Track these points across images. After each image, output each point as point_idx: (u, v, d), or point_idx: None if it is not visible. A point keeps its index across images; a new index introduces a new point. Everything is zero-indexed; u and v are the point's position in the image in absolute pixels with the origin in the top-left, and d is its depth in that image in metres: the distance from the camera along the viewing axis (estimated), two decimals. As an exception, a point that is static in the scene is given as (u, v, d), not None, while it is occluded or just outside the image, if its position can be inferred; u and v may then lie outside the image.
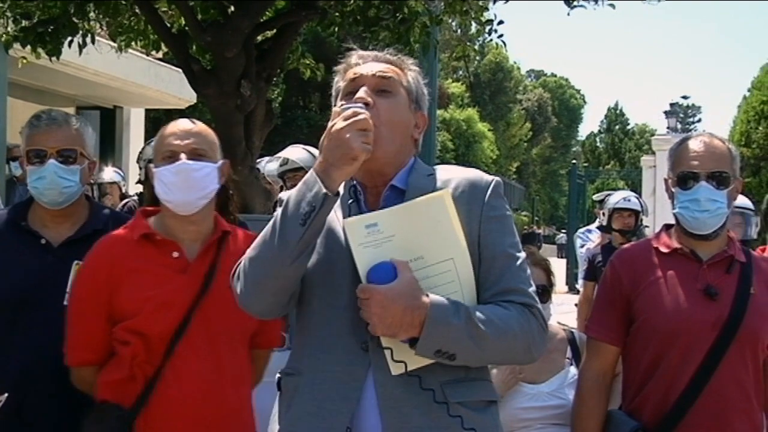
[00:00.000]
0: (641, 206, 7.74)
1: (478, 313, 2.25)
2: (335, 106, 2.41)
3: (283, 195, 2.40)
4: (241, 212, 3.11)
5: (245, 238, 3.00)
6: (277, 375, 2.52)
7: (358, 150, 2.20)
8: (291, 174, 5.91)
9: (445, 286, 2.29)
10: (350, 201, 2.42)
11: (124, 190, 9.34)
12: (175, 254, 2.94)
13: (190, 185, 2.90)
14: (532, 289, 2.37)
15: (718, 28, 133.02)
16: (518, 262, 2.38)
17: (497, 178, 2.45)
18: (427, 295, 2.23)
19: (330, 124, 2.25)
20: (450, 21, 8.51)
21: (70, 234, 3.24)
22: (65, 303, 3.11)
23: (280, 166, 5.98)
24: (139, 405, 2.84)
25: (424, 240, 2.29)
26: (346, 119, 2.22)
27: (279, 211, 2.30)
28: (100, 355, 2.96)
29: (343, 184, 2.37)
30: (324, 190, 2.21)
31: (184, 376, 2.85)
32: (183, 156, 2.89)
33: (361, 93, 2.35)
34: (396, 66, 2.48)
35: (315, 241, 2.30)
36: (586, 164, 58.86)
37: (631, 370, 3.14)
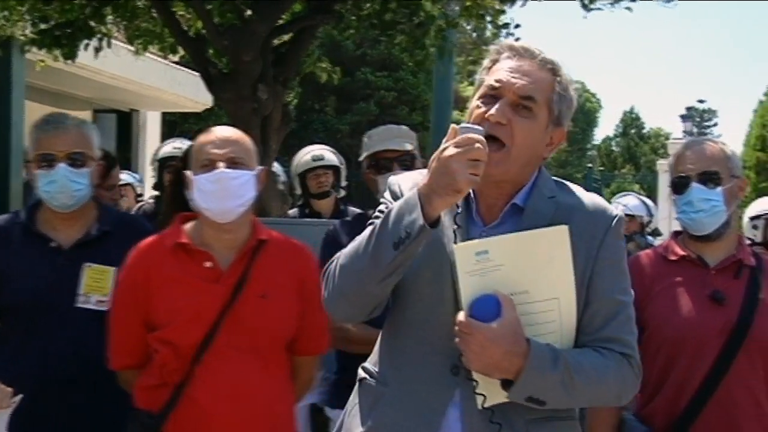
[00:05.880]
0: (648, 210, 7.55)
1: (574, 361, 2.14)
2: (473, 97, 2.26)
3: (393, 180, 2.40)
4: (258, 215, 3.13)
5: (284, 245, 3.03)
6: (360, 372, 2.42)
7: (463, 183, 2.03)
8: (322, 171, 5.93)
9: (544, 325, 2.16)
10: (458, 210, 2.25)
11: (139, 192, 9.38)
12: (208, 264, 2.92)
13: (228, 194, 2.88)
14: (634, 336, 2.27)
15: (734, 32, 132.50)
16: (625, 309, 2.26)
17: (621, 215, 2.29)
18: (528, 341, 2.10)
19: (443, 145, 2.07)
20: (466, 25, 8.51)
21: (79, 236, 3.26)
22: (76, 305, 3.15)
23: (313, 160, 5.97)
24: (166, 411, 2.85)
25: (534, 274, 2.14)
26: (458, 146, 2.04)
27: (379, 221, 2.15)
28: (140, 359, 2.98)
29: None
30: (421, 222, 2.05)
31: (210, 383, 2.85)
32: (221, 165, 2.88)
33: (495, 112, 2.18)
34: (547, 71, 2.26)
35: (406, 265, 2.15)
36: (601, 168, 58.51)
37: (644, 377, 3.15)
